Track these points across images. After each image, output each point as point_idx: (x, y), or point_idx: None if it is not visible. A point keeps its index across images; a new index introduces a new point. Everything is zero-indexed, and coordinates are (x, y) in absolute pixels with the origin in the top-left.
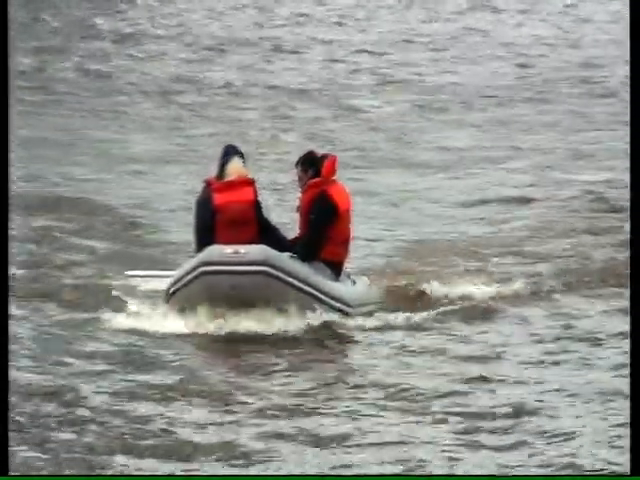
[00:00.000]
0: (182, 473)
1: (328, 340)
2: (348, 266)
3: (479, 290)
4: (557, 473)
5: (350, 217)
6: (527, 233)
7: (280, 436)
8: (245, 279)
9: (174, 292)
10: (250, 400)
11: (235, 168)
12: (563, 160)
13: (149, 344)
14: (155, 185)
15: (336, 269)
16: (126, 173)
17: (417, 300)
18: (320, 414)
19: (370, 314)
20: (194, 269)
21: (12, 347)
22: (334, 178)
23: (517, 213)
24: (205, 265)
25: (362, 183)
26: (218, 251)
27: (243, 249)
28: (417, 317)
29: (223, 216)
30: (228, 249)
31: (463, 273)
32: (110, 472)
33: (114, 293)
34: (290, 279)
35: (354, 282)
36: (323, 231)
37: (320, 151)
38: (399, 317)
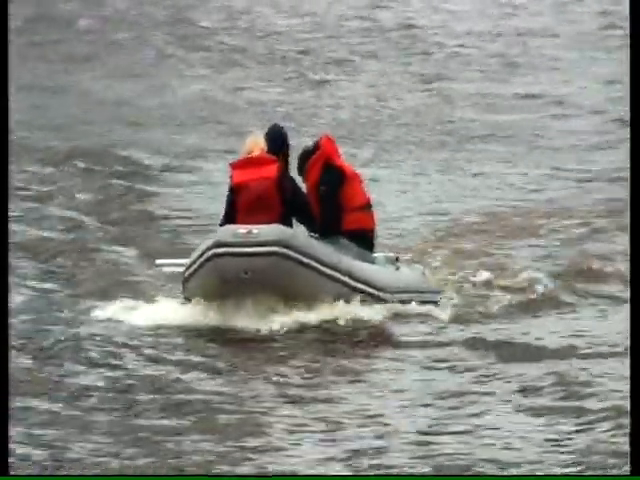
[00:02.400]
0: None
1: (357, 332)
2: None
3: None
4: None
5: (361, 181)
6: None
7: None
8: (258, 261)
9: (188, 278)
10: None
11: (252, 142)
12: None
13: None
14: None
15: (364, 240)
16: None
17: None
18: None
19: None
20: (206, 251)
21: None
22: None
23: None
24: (217, 247)
25: None
26: (230, 231)
27: (257, 229)
28: None
29: (242, 196)
30: (241, 229)
31: None
32: None
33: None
34: (308, 260)
35: (398, 268)
36: (337, 198)
37: None
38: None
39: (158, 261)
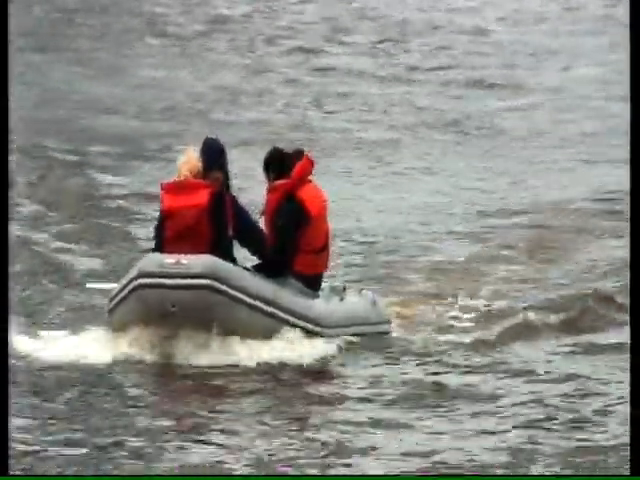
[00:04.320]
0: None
1: (292, 373)
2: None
3: None
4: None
5: (325, 222)
6: None
7: None
8: (186, 295)
9: (113, 308)
10: None
11: (186, 162)
12: None
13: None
14: None
15: (312, 283)
16: None
17: None
18: None
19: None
20: (130, 282)
21: None
22: (309, 178)
23: None
24: (141, 277)
25: None
26: (157, 261)
27: (186, 259)
28: None
29: (171, 223)
30: (169, 259)
31: None
32: None
33: None
34: (239, 294)
35: (342, 299)
36: (292, 239)
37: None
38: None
39: (89, 285)
